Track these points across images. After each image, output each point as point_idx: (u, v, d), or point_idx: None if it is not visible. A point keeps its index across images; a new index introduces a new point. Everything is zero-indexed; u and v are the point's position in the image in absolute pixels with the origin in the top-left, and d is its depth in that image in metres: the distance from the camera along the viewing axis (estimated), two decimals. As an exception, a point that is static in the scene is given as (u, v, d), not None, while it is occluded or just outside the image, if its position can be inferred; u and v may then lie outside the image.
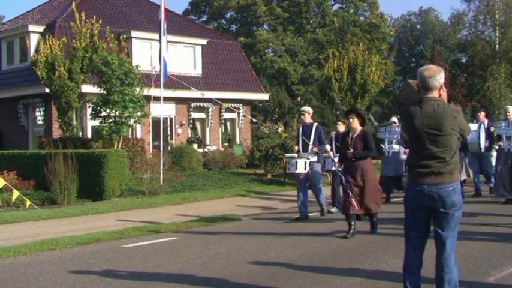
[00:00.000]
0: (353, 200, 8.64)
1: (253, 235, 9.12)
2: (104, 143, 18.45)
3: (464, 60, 43.67)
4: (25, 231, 10.16)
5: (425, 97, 4.74)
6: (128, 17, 26.81)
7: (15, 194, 12.83)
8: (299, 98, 39.05)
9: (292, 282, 6.17)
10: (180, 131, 25.56)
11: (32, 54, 21.42)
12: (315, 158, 10.76)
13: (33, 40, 22.86)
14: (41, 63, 18.72)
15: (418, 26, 66.01)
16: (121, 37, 23.30)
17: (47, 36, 20.15)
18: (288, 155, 11.68)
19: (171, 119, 25.36)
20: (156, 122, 20.89)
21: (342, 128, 11.46)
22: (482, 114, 13.39)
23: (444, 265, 4.66)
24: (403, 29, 65.14)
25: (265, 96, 29.74)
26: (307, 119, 10.90)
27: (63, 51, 18.98)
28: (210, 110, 26.41)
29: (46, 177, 14.15)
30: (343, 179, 8.92)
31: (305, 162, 10.56)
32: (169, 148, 23.15)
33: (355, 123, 8.96)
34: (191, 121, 26.28)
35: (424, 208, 4.69)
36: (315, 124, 10.88)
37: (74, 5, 21.27)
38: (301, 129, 11.08)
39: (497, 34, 39.82)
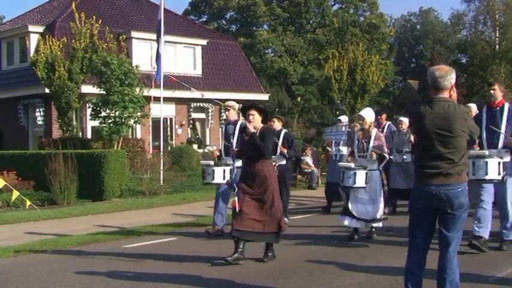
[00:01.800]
0: (245, 216, 6.95)
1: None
2: (104, 144, 18.44)
3: (464, 61, 43.66)
4: (25, 231, 10.16)
5: (436, 97, 4.69)
6: (128, 17, 26.81)
7: (15, 194, 12.82)
8: (299, 98, 39.06)
9: (292, 283, 6.17)
10: (180, 131, 25.56)
11: (32, 55, 21.43)
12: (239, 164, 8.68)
13: (33, 40, 22.85)
14: (41, 63, 18.71)
15: (418, 26, 66.01)
16: (121, 37, 23.30)
17: (46, 36, 20.15)
18: (203, 162, 9.55)
19: (171, 119, 25.36)
20: (156, 122, 20.88)
21: (278, 125, 10.35)
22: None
23: (447, 266, 4.65)
24: (403, 29, 65.13)
25: (265, 97, 29.73)
26: (233, 115, 9.37)
27: (63, 51, 18.98)
28: (210, 110, 26.41)
29: (46, 177, 14.14)
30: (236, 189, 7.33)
31: (224, 170, 8.92)
32: (169, 148, 23.15)
33: (256, 120, 7.36)
34: (191, 121, 26.28)
35: (431, 209, 4.67)
36: (239, 122, 9.19)
37: (73, 5, 21.27)
38: (224, 128, 9.62)
39: (497, 34, 39.83)
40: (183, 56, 25.99)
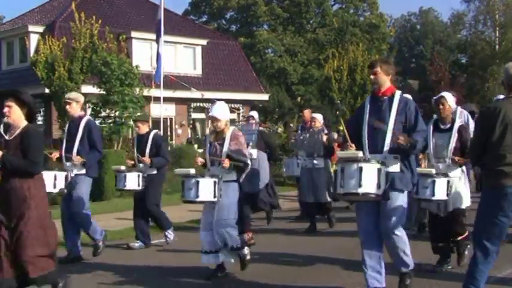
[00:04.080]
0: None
1: (254, 234, 9.08)
2: (104, 144, 18.43)
3: (464, 61, 43.69)
4: (25, 231, 10.12)
5: None
6: (128, 17, 26.80)
7: (15, 194, 12.78)
8: (299, 98, 39.07)
9: (291, 282, 6.16)
10: (180, 131, 25.55)
11: (31, 55, 21.44)
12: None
13: (33, 40, 22.85)
14: (40, 63, 18.72)
15: (418, 26, 65.98)
16: (121, 37, 23.30)
17: (46, 36, 20.16)
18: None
19: (170, 120, 25.35)
20: (156, 122, 20.89)
21: (144, 128, 8.50)
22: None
23: None
24: (403, 29, 65.10)
25: (265, 97, 29.73)
26: (75, 110, 7.66)
27: (63, 51, 18.99)
28: (210, 110, 26.40)
29: (46, 177, 14.10)
30: None
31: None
32: (169, 148, 23.14)
33: (14, 114, 5.14)
34: (191, 122, 26.28)
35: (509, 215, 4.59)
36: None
37: (73, 5, 21.27)
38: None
39: (497, 34, 39.84)
40: (183, 56, 25.99)
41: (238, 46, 30.12)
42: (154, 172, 8.35)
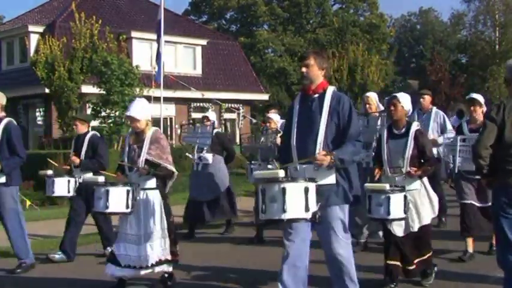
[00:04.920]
0: None
1: (254, 234, 9.07)
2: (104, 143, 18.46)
3: (464, 61, 43.70)
4: (25, 231, 10.12)
5: None
6: (128, 17, 26.81)
7: (15, 194, 12.76)
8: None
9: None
10: (180, 131, 25.57)
11: (32, 55, 21.45)
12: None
13: (33, 40, 22.86)
14: (40, 63, 18.73)
15: (418, 26, 65.98)
16: (121, 37, 23.30)
17: (46, 36, 20.18)
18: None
19: (170, 119, 25.35)
20: (155, 122, 20.89)
21: (82, 128, 7.72)
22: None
23: None
24: (403, 29, 65.10)
25: (265, 97, 29.74)
26: None
27: (63, 51, 19.00)
28: (210, 110, 26.41)
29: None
30: None
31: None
32: (168, 149, 23.14)
33: None
34: (191, 121, 26.29)
35: None
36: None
37: (73, 5, 21.27)
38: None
39: (497, 34, 39.87)
40: (183, 56, 25.99)
41: (238, 46, 30.13)
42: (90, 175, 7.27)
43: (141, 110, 5.72)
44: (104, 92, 17.77)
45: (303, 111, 4.68)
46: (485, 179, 4.65)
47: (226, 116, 27.28)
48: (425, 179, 5.79)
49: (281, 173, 4.20)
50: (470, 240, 6.87)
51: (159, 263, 5.64)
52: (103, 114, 17.95)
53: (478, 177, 6.00)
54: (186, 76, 25.18)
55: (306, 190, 4.17)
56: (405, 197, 5.35)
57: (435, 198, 5.83)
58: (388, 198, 5.24)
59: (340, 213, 4.59)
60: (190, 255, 6.97)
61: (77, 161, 7.46)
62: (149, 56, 24.02)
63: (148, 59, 23.77)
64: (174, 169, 5.74)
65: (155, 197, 5.68)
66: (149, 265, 5.60)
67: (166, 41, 19.73)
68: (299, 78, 35.45)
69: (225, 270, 6.68)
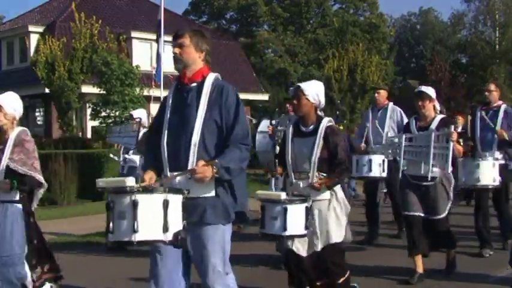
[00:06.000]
0: None
1: (256, 235, 9.07)
2: (104, 143, 18.47)
3: (464, 61, 43.70)
4: (25, 231, 10.12)
5: None
6: (128, 17, 26.81)
7: (15, 194, 12.77)
8: (299, 98, 39.11)
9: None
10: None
11: (32, 55, 21.45)
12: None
13: (33, 40, 22.87)
14: (40, 63, 18.75)
15: (418, 26, 65.98)
16: (121, 37, 23.30)
17: (46, 36, 20.19)
18: None
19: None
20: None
21: None
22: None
23: None
24: (403, 29, 65.10)
25: (265, 97, 29.73)
26: None
27: (63, 51, 19.02)
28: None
29: (46, 177, 14.13)
30: None
31: None
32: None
33: None
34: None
35: None
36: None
37: (73, 5, 21.29)
38: None
39: (497, 34, 39.86)
40: (183, 56, 26.01)
41: (238, 46, 30.14)
42: None
43: (6, 99, 4.76)
44: (104, 92, 17.78)
45: (176, 106, 3.68)
46: None
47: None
48: (338, 188, 4.75)
49: (129, 181, 3.16)
50: (419, 259, 5.85)
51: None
52: (103, 114, 17.96)
53: (426, 183, 5.65)
54: (186, 76, 25.20)
55: (166, 204, 3.18)
56: (307, 208, 4.33)
57: (343, 217, 4.71)
58: (285, 210, 4.20)
59: (218, 236, 3.56)
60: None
61: None
62: (149, 56, 24.02)
63: (148, 59, 23.77)
64: (42, 179, 4.77)
65: (16, 211, 4.61)
66: None
67: (166, 41, 19.70)
68: (298, 78, 35.42)
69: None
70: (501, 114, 6.96)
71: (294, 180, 4.71)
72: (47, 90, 19.79)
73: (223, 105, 3.58)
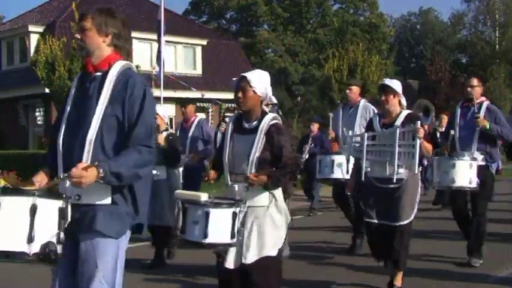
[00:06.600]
0: None
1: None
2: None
3: (464, 61, 43.72)
4: (25, 231, 10.12)
5: None
6: (128, 17, 26.66)
7: (15, 194, 12.77)
8: (299, 98, 39.12)
9: (291, 282, 6.16)
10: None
11: (32, 55, 21.44)
12: None
13: (33, 40, 22.87)
14: (41, 63, 18.74)
15: (418, 26, 66.00)
16: (121, 37, 23.32)
17: (47, 36, 20.17)
18: None
19: (170, 119, 25.34)
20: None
21: None
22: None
23: None
24: (403, 29, 65.12)
25: (265, 97, 29.76)
26: None
27: (63, 51, 19.01)
28: (210, 110, 26.41)
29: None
30: None
31: None
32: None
33: None
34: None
35: None
36: None
37: (74, 5, 21.27)
38: None
39: (497, 34, 39.91)
40: (183, 56, 26.00)
41: (238, 46, 30.14)
42: None
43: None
44: (104, 92, 17.81)
45: (78, 98, 3.18)
46: None
47: (226, 116, 27.29)
48: (278, 193, 4.09)
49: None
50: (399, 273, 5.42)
51: None
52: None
53: (392, 185, 5.17)
54: (186, 76, 25.18)
55: (33, 210, 2.65)
56: (235, 214, 3.74)
57: (283, 228, 4.07)
58: (207, 214, 3.66)
59: (110, 248, 3.02)
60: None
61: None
62: (149, 56, 24.02)
63: (148, 59, 23.78)
64: None
65: None
66: None
67: (166, 41, 19.72)
68: (300, 79, 35.33)
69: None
70: (483, 111, 6.29)
71: (229, 183, 4.07)
72: (47, 90, 19.78)
73: (127, 100, 3.04)
